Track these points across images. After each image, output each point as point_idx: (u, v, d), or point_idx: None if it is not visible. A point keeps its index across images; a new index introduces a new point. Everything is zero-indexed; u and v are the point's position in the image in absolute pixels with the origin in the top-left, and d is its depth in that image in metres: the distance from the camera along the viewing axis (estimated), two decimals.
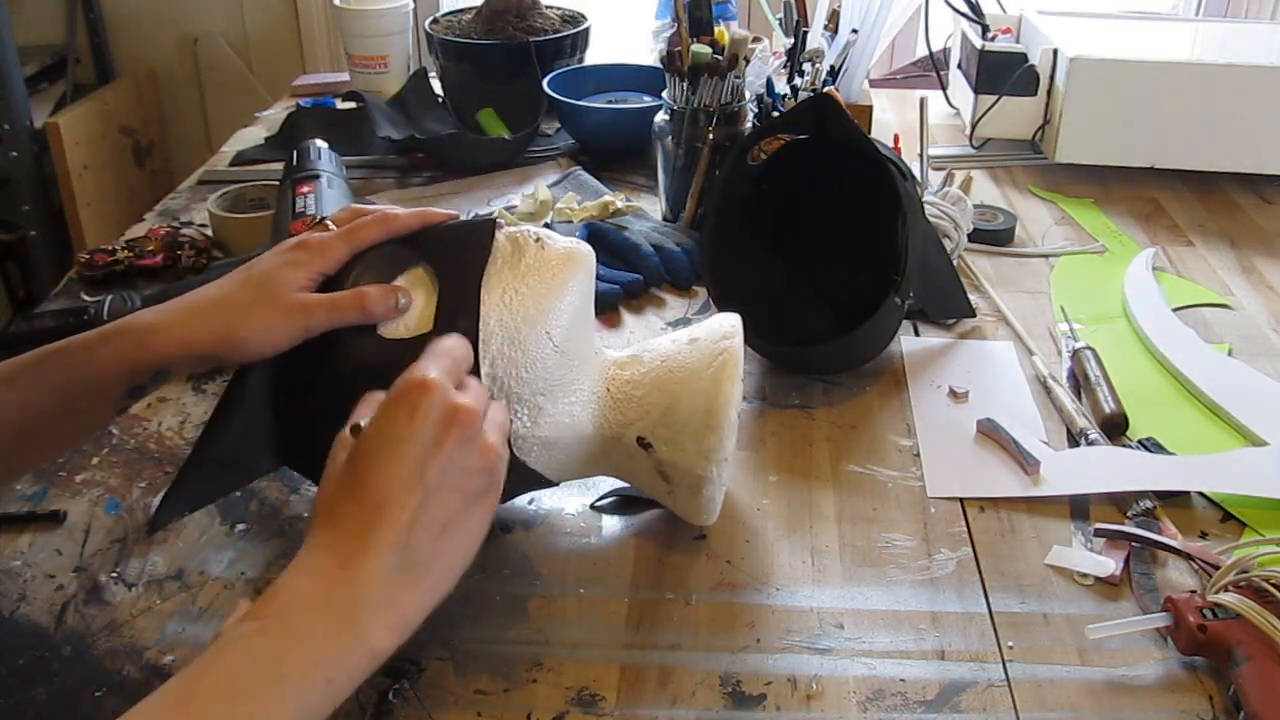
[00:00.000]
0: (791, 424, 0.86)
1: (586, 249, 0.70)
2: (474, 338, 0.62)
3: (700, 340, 0.72)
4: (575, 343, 0.67)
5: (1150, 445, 0.82)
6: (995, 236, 1.15)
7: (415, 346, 0.62)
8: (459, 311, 0.64)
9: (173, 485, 0.67)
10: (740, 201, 0.97)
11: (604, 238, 1.09)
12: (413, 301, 0.65)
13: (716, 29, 1.11)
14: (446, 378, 0.54)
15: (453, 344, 0.57)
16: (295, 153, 1.08)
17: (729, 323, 0.73)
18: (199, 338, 0.61)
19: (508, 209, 1.14)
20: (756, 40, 1.18)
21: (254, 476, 0.75)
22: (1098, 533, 0.73)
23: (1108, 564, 0.71)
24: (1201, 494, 0.78)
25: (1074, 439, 0.84)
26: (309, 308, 0.63)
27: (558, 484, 0.71)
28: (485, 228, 0.68)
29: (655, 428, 0.68)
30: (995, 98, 1.33)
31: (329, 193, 1.01)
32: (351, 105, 1.45)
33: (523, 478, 0.67)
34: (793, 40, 1.25)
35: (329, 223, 0.68)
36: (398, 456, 0.51)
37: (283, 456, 0.70)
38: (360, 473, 0.51)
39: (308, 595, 0.49)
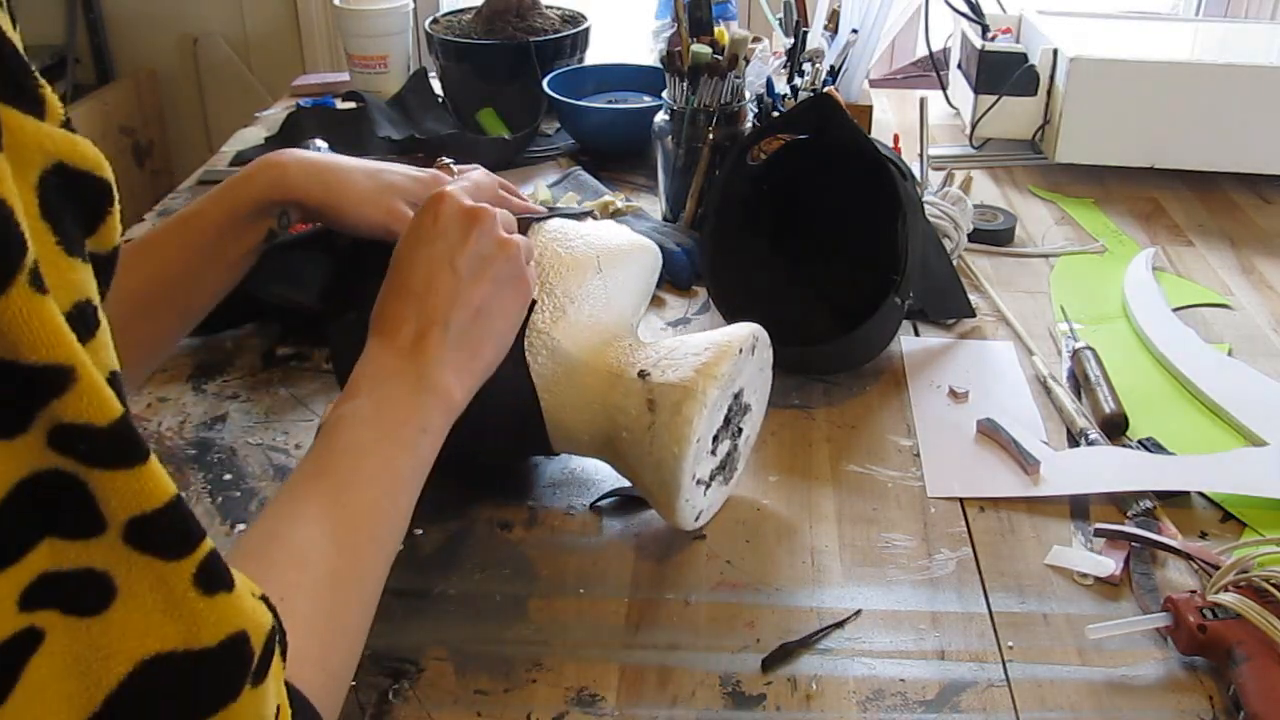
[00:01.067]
0: (791, 424, 0.86)
1: (656, 250, 0.80)
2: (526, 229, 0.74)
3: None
4: (618, 287, 0.73)
5: (1150, 445, 0.82)
6: (995, 236, 1.15)
7: None
8: (530, 213, 0.77)
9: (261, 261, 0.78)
10: (740, 201, 0.97)
11: None
12: None
13: (716, 29, 1.11)
14: (463, 193, 0.65)
15: (478, 175, 0.75)
16: None
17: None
18: (314, 196, 0.74)
19: None
20: (756, 40, 1.18)
21: (283, 300, 0.90)
22: (1098, 533, 0.73)
23: (1108, 564, 0.71)
24: (1201, 494, 0.78)
25: (1074, 439, 0.84)
26: (399, 218, 0.74)
27: (555, 453, 0.75)
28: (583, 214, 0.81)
29: (659, 362, 0.69)
30: (995, 98, 1.33)
31: None
32: (351, 105, 1.45)
33: (521, 414, 0.70)
34: (793, 40, 1.25)
35: (451, 165, 0.85)
36: (427, 254, 0.62)
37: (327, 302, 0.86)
38: (402, 275, 0.62)
39: (386, 371, 0.59)
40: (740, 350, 0.69)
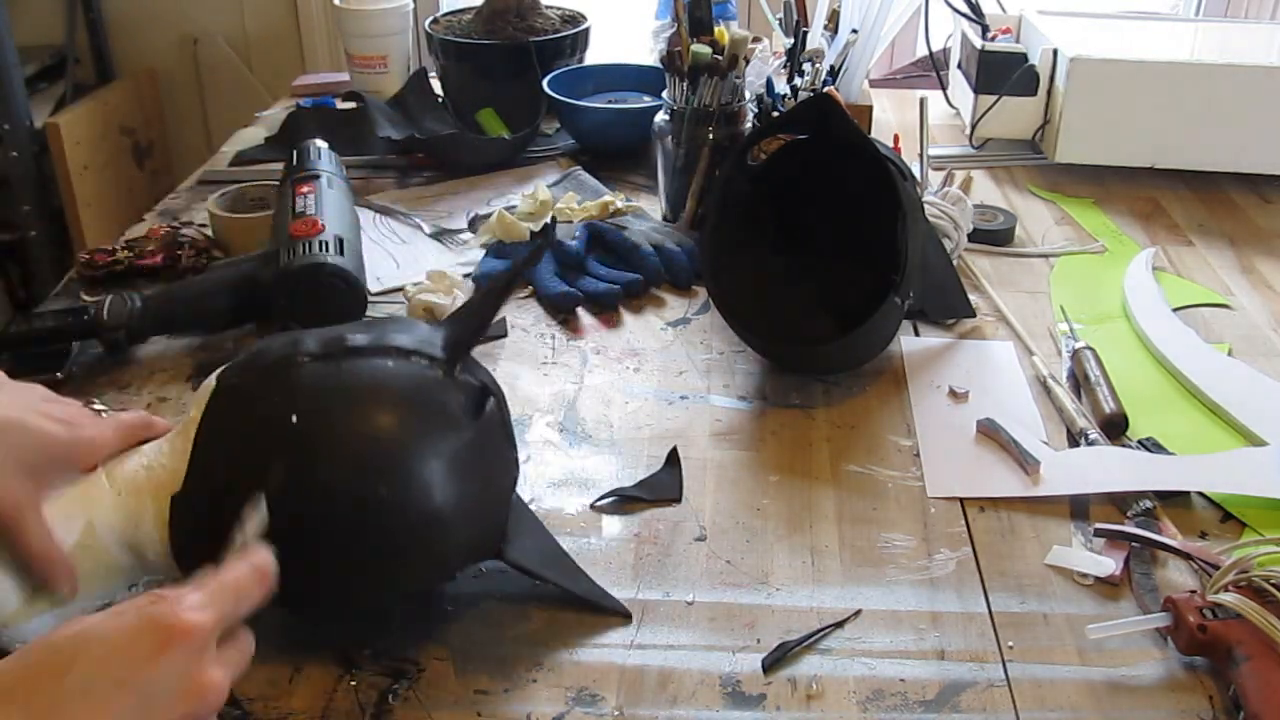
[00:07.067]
0: (791, 424, 0.86)
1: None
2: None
3: None
4: None
5: (1150, 445, 0.82)
6: (995, 236, 1.15)
7: None
8: None
9: None
10: (740, 201, 0.97)
11: (604, 238, 1.09)
12: None
13: (716, 29, 1.11)
14: (188, 596, 0.47)
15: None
16: (295, 153, 1.08)
17: None
18: None
19: (507, 209, 1.14)
20: (756, 40, 1.18)
21: None
22: (1098, 533, 0.73)
23: (1108, 564, 0.71)
24: (1201, 494, 0.78)
25: (1074, 439, 0.84)
26: (24, 513, 0.55)
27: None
28: None
29: None
30: (995, 98, 1.33)
31: (329, 193, 1.01)
32: (351, 105, 1.45)
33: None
34: (793, 40, 1.25)
35: (97, 407, 0.65)
36: (92, 658, 0.44)
37: None
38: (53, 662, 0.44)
39: None
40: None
